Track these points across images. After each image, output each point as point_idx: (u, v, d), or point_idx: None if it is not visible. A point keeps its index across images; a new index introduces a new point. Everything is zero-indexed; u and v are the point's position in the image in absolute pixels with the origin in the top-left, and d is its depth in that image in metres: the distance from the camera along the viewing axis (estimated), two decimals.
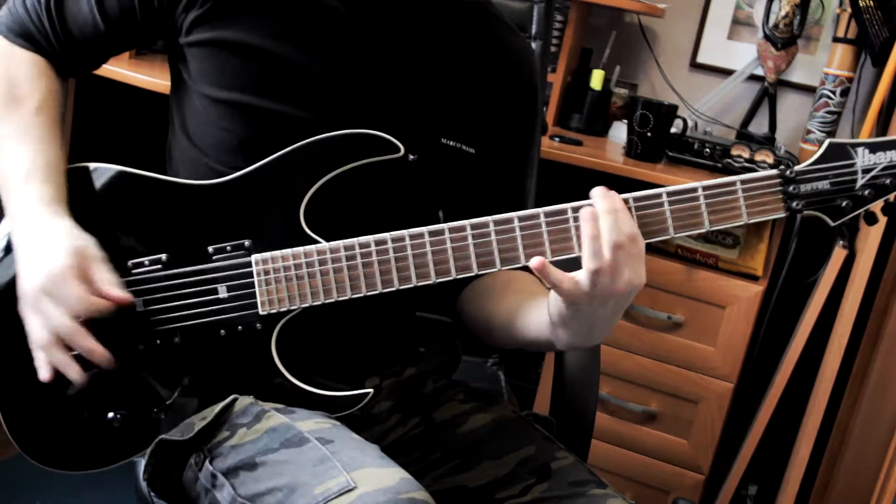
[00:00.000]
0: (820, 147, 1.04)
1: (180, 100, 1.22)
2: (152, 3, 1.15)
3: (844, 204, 1.04)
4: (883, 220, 1.06)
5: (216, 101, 1.16)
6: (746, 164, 2.18)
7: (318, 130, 1.12)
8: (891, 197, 1.04)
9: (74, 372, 1.09)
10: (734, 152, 2.20)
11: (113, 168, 1.17)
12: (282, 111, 1.13)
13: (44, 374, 1.10)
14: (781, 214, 1.04)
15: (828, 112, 2.34)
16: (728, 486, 2.14)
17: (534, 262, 0.99)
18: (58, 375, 1.15)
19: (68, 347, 1.08)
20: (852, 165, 1.04)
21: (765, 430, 2.08)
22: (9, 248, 1.18)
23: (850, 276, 1.98)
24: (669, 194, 1.04)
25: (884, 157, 1.03)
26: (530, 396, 2.23)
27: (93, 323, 1.07)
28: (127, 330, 1.11)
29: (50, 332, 1.07)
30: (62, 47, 1.20)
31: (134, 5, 1.16)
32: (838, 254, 1.97)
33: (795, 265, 2.21)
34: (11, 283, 1.14)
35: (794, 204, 1.04)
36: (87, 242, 1.09)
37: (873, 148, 1.03)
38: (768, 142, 2.35)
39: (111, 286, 1.07)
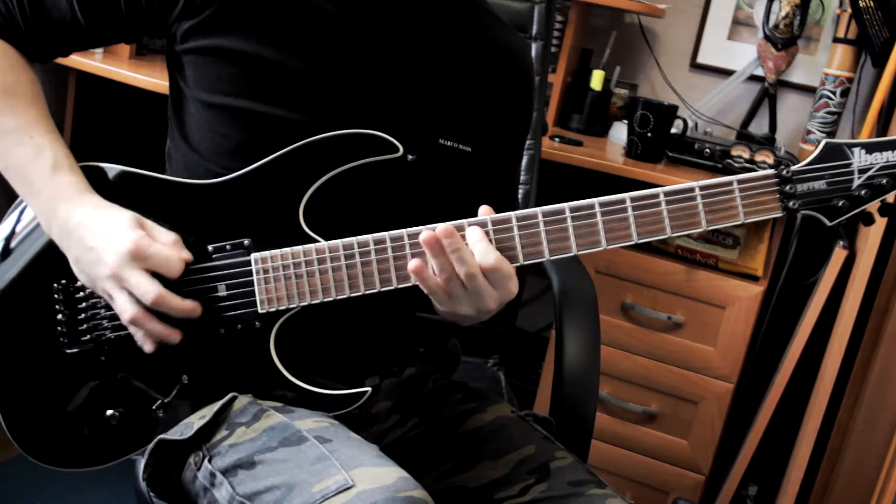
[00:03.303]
0: (818, 145, 1.05)
1: (178, 105, 1.23)
2: (139, 1, 1.15)
3: (841, 204, 1.04)
4: (881, 220, 1.07)
5: (212, 106, 1.16)
6: (747, 165, 2.18)
7: (314, 133, 1.12)
8: (888, 197, 1.04)
9: (176, 337, 1.11)
10: (734, 153, 2.19)
11: (115, 167, 1.18)
12: (278, 115, 1.14)
13: (148, 347, 1.12)
14: (778, 214, 1.04)
15: (828, 112, 2.34)
16: (728, 486, 2.14)
17: (412, 265, 1.04)
18: (59, 373, 1.16)
19: (157, 315, 1.10)
20: (849, 166, 1.04)
21: (765, 430, 2.08)
22: (7, 245, 1.19)
23: (850, 276, 1.98)
24: (667, 194, 1.04)
25: (880, 158, 1.03)
26: (530, 397, 2.23)
27: None
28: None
29: (141, 303, 1.08)
30: (31, 31, 1.16)
31: (119, 2, 1.15)
32: (838, 254, 1.97)
33: (795, 265, 2.21)
34: (18, 279, 1.15)
35: (791, 204, 1.04)
36: (135, 214, 1.11)
37: (870, 148, 1.03)
38: (768, 142, 2.35)
39: (180, 245, 1.11)
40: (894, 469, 1.77)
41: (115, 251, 1.07)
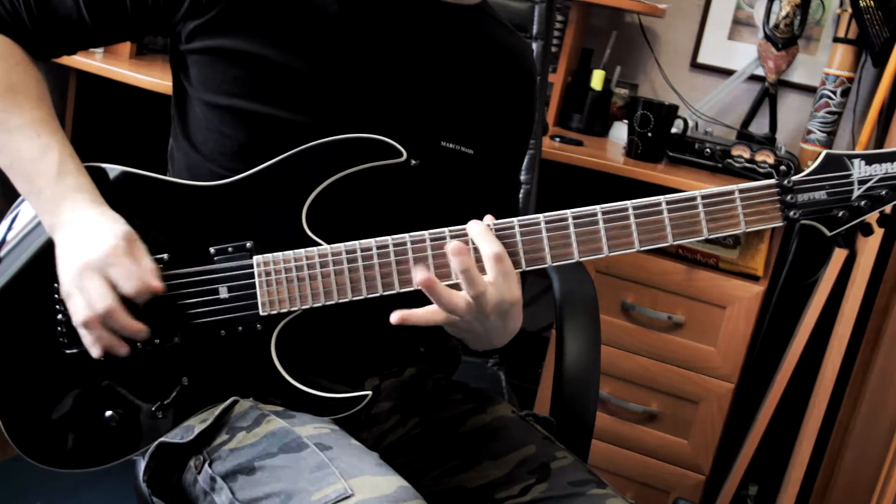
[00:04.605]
0: (819, 155, 1.05)
1: (181, 105, 1.23)
2: (146, 1, 1.15)
3: (840, 214, 1.05)
4: (879, 231, 1.07)
5: (216, 107, 1.16)
6: (747, 165, 2.18)
7: (317, 135, 1.12)
8: (887, 208, 1.05)
9: (124, 349, 1.11)
10: (735, 152, 2.20)
11: (118, 168, 1.17)
12: (282, 117, 1.14)
13: (95, 352, 1.11)
14: (779, 223, 1.05)
15: (828, 112, 2.34)
16: (728, 486, 2.14)
17: (419, 277, 1.02)
18: (58, 374, 1.16)
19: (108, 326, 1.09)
20: (848, 177, 1.05)
21: (765, 430, 2.09)
22: (6, 246, 1.19)
23: (850, 276, 1.98)
24: (668, 202, 1.05)
25: (880, 169, 1.04)
26: (530, 397, 2.24)
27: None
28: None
29: (92, 310, 1.08)
30: (36, 29, 1.16)
31: (125, 1, 1.15)
32: (839, 254, 1.97)
33: (796, 265, 2.21)
34: (19, 278, 1.16)
35: (792, 213, 1.05)
36: (132, 230, 1.10)
37: (870, 160, 1.04)
38: (769, 142, 2.35)
39: (153, 273, 1.09)
40: (894, 469, 1.77)
41: (88, 252, 1.07)
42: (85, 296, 1.08)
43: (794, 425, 2.16)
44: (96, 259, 1.07)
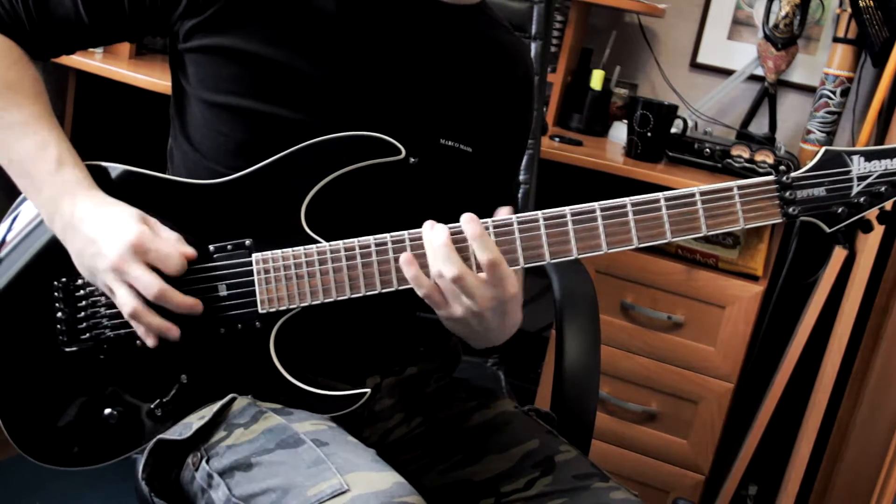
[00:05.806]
0: (818, 152, 1.05)
1: (180, 104, 1.23)
2: (143, 1, 1.15)
3: (840, 211, 1.05)
4: (879, 228, 1.07)
5: (214, 106, 1.16)
6: (747, 165, 2.18)
7: (316, 133, 1.12)
8: (886, 205, 1.05)
9: (175, 333, 1.11)
10: (734, 152, 2.20)
11: (118, 167, 1.18)
12: (280, 115, 1.14)
13: (151, 341, 1.11)
14: (778, 220, 1.05)
15: (828, 112, 2.34)
16: (728, 486, 2.14)
17: (403, 257, 1.05)
18: (58, 372, 1.16)
19: (157, 310, 1.10)
20: (848, 173, 1.04)
21: (765, 429, 2.09)
22: (6, 244, 1.19)
23: (850, 276, 1.98)
24: (667, 199, 1.05)
25: (879, 166, 1.04)
26: (530, 396, 2.23)
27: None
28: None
29: (143, 297, 1.08)
30: (34, 28, 1.16)
31: (123, 1, 1.15)
32: (838, 254, 1.97)
33: (795, 265, 2.21)
34: (19, 277, 1.16)
35: (791, 210, 1.05)
36: (139, 210, 1.11)
37: (869, 156, 1.04)
38: (768, 142, 2.35)
39: (181, 242, 1.11)
40: (894, 469, 1.77)
41: (117, 243, 1.07)
42: (132, 286, 1.08)
43: (793, 425, 2.16)
44: (129, 248, 1.07)
